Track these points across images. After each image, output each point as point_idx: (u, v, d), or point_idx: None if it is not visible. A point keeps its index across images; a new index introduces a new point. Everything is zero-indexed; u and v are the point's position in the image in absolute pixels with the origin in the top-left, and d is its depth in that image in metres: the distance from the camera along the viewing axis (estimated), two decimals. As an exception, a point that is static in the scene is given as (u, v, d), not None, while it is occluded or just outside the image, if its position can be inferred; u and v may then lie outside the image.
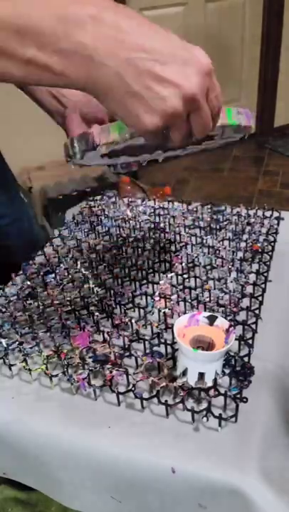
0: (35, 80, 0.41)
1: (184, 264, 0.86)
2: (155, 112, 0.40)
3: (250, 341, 0.67)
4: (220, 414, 0.57)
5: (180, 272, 0.84)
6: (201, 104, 0.42)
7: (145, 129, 0.41)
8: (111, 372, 0.64)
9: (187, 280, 0.82)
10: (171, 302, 0.76)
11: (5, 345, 0.71)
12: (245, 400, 0.59)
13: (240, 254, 0.87)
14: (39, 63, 0.39)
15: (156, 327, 0.72)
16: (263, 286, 0.78)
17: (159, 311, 0.75)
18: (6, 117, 2.59)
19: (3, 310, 0.79)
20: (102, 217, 1.04)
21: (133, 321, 0.72)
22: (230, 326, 0.61)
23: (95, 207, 1.09)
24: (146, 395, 0.62)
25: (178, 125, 0.42)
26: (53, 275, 0.86)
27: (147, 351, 0.68)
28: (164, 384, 0.62)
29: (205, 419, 0.58)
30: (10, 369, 0.68)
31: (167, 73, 0.39)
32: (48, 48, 0.38)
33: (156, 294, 0.79)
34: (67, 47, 0.38)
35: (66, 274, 0.87)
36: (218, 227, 0.97)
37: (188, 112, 0.42)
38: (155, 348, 0.69)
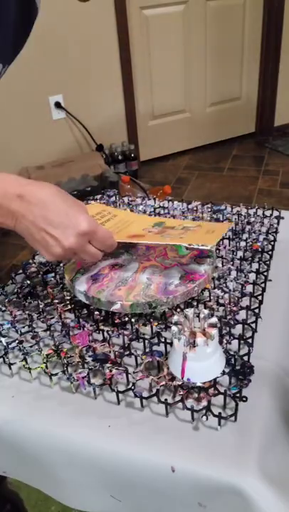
0: None
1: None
2: (48, 253, 0.67)
3: (249, 340, 0.68)
4: (219, 413, 0.57)
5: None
6: (78, 250, 0.67)
7: (47, 259, 0.68)
8: (111, 371, 0.65)
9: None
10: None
11: (5, 344, 0.71)
12: (244, 399, 0.59)
13: (240, 254, 0.87)
14: None
15: (156, 326, 0.72)
16: (262, 285, 0.78)
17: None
18: (6, 117, 2.59)
19: (3, 309, 0.79)
20: (102, 217, 1.04)
21: (133, 319, 0.72)
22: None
23: (94, 206, 1.09)
24: (145, 394, 0.62)
25: (76, 256, 0.69)
26: (53, 274, 0.86)
27: (147, 350, 0.68)
28: (163, 383, 0.62)
29: (204, 418, 0.58)
30: (10, 368, 0.68)
31: (55, 233, 0.65)
32: None
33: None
34: (4, 212, 0.65)
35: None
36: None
37: (70, 254, 0.68)
38: (155, 347, 0.69)
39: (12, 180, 0.65)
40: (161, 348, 0.68)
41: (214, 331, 0.60)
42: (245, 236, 0.93)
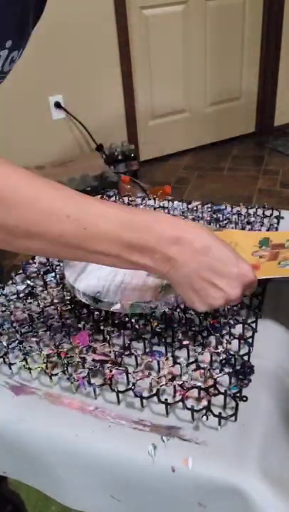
0: (132, 269, 0.60)
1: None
2: (206, 304, 0.60)
3: (250, 340, 0.67)
4: (220, 413, 0.57)
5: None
6: (236, 300, 0.61)
7: (196, 310, 0.62)
8: (111, 371, 0.65)
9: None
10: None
11: (5, 344, 0.71)
12: (244, 398, 0.59)
13: (240, 253, 0.87)
14: (140, 264, 0.58)
15: (156, 326, 0.72)
16: (263, 285, 0.78)
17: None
18: (6, 117, 2.59)
19: (4, 309, 0.79)
20: (102, 217, 1.04)
21: (133, 320, 0.72)
22: None
23: (94, 206, 1.09)
24: (146, 394, 0.62)
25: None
26: (53, 274, 0.86)
27: (147, 350, 0.68)
28: (163, 383, 0.62)
29: (205, 418, 0.58)
30: (10, 368, 0.68)
31: (220, 283, 0.58)
32: (148, 256, 0.57)
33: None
34: (160, 257, 0.57)
35: (66, 273, 0.86)
36: (218, 226, 0.96)
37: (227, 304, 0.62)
38: (155, 347, 0.69)
39: (167, 221, 0.58)
40: (162, 348, 0.68)
41: None
42: (245, 236, 0.93)
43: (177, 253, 0.56)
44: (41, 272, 0.87)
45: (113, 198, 1.12)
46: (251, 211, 1.02)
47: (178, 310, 0.74)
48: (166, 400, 0.59)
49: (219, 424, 0.58)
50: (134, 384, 0.62)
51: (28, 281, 0.84)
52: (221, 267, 0.58)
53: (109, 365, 0.66)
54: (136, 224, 0.56)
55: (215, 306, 0.60)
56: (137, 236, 0.56)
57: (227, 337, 0.69)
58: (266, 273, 0.70)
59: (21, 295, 0.82)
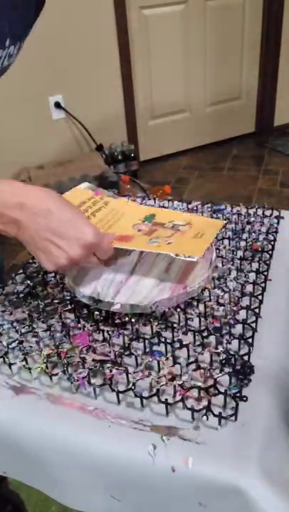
0: None
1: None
2: (51, 262, 0.66)
3: (250, 340, 0.67)
4: (220, 413, 0.57)
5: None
6: (82, 261, 0.67)
7: (45, 269, 0.68)
8: (111, 371, 0.65)
9: (187, 279, 0.82)
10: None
11: (5, 344, 0.71)
12: (245, 398, 0.59)
13: (240, 253, 0.87)
14: None
15: (156, 326, 0.72)
16: (262, 285, 0.78)
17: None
18: (7, 117, 2.59)
19: (3, 309, 0.79)
20: (102, 217, 1.04)
21: (133, 319, 0.72)
22: None
23: (94, 206, 1.09)
24: (146, 394, 0.62)
25: (76, 266, 0.70)
26: (53, 274, 0.86)
27: (147, 350, 0.68)
28: (163, 383, 0.62)
29: (205, 417, 0.58)
30: (10, 368, 0.68)
31: (60, 243, 0.64)
32: None
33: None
34: (7, 220, 0.64)
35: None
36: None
37: (73, 265, 0.67)
38: (155, 347, 0.69)
39: (12, 187, 0.64)
40: (162, 347, 0.68)
41: None
42: (245, 236, 0.93)
43: (21, 216, 0.63)
44: (41, 272, 0.87)
45: (113, 198, 1.12)
46: (251, 211, 1.02)
47: (178, 310, 0.74)
48: (166, 400, 0.59)
49: (219, 424, 0.58)
50: (134, 384, 0.62)
51: (28, 281, 0.84)
52: (60, 229, 0.64)
53: (109, 365, 0.66)
54: None
55: (61, 265, 0.65)
56: None
57: (227, 337, 0.69)
58: (134, 245, 0.76)
59: (21, 295, 0.82)
